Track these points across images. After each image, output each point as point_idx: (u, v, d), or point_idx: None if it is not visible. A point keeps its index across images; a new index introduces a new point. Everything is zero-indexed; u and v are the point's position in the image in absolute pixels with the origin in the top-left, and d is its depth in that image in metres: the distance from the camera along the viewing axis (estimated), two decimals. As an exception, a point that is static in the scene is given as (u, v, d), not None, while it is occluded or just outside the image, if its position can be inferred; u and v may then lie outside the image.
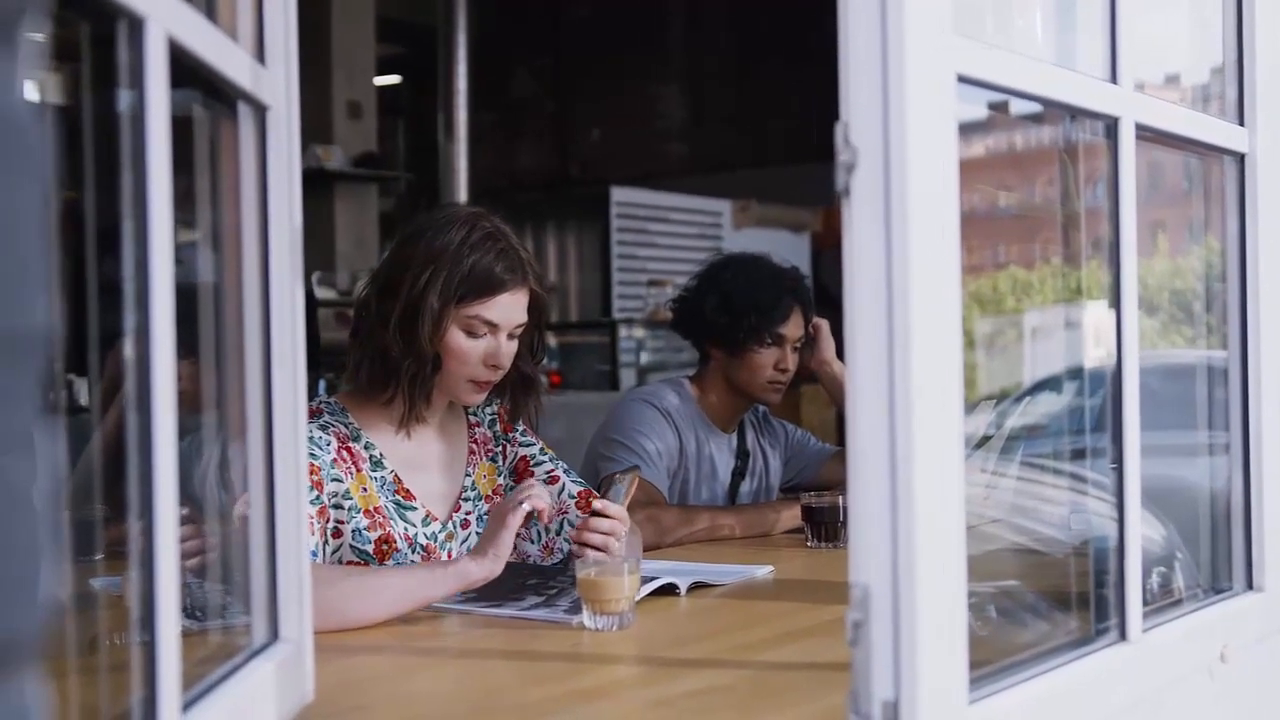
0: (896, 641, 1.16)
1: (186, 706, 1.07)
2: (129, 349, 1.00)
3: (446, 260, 2.15)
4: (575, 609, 1.91)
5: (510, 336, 2.22)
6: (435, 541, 2.24)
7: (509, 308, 2.19)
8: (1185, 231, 2.13)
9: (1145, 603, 1.54)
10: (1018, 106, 1.54)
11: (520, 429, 2.42)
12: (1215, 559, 1.86)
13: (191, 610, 1.35)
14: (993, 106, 1.46)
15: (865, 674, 1.17)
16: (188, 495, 1.10)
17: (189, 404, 1.18)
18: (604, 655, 1.77)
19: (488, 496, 2.35)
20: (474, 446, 2.37)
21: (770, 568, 2.37)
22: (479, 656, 1.77)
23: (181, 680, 1.03)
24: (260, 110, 1.33)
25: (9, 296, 0.57)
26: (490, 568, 1.94)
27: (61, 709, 1.04)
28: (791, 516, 2.81)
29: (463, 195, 8.45)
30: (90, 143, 1.07)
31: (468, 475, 2.33)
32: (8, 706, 0.57)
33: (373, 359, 2.19)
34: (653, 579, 2.08)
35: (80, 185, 1.05)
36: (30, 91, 0.60)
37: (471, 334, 2.18)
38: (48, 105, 0.63)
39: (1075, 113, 1.54)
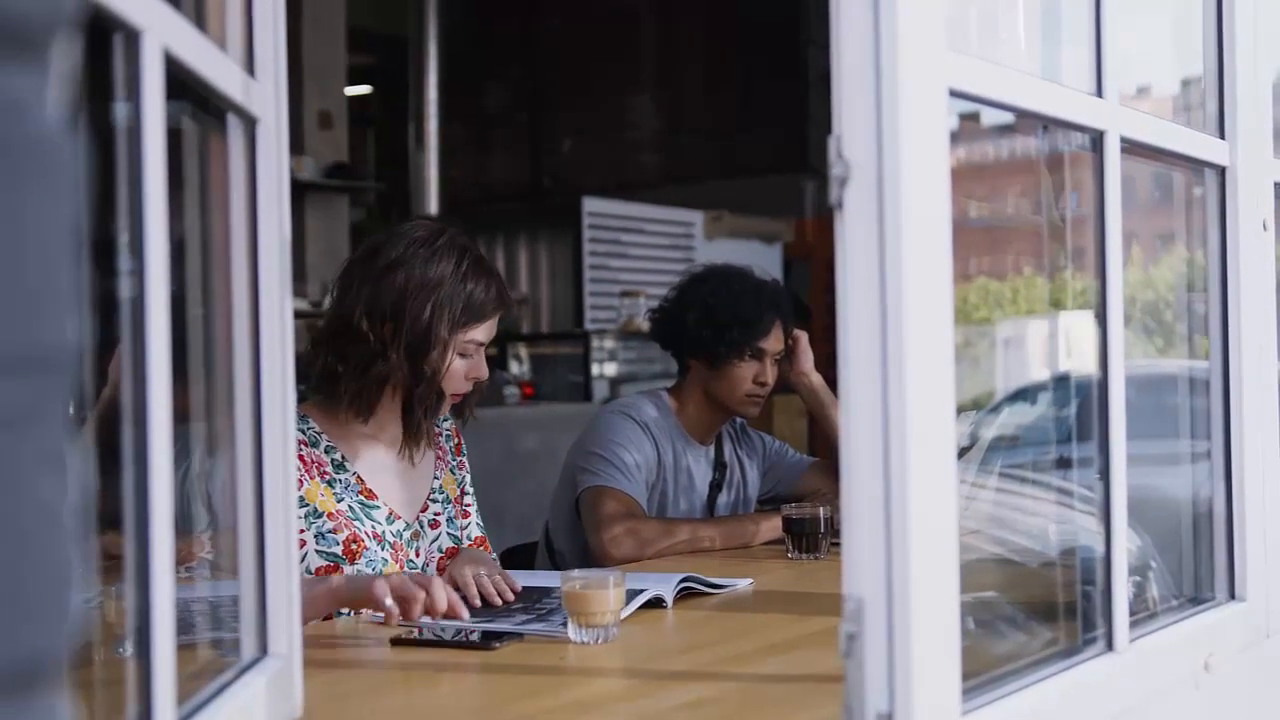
0: (891, 653, 1.16)
1: (180, 723, 1.06)
2: (125, 363, 0.99)
3: (447, 290, 2.24)
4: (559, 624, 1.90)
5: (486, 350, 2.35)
6: (401, 539, 2.30)
7: (494, 326, 2.33)
8: (1155, 242, 2.15)
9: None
10: (988, 117, 1.55)
11: (461, 457, 2.51)
12: (1198, 569, 1.87)
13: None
14: (964, 117, 1.47)
15: (859, 686, 1.17)
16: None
17: (173, 415, 1.18)
18: (591, 669, 1.76)
19: (455, 500, 2.44)
20: (440, 452, 2.45)
21: (750, 580, 2.37)
22: (466, 671, 1.76)
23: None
24: (250, 122, 1.33)
25: (40, 312, 0.57)
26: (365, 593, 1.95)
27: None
28: (771, 528, 2.82)
29: (434, 206, 8.43)
30: (82, 153, 1.06)
31: (436, 478, 2.41)
32: None
33: (373, 385, 2.24)
34: (640, 592, 2.08)
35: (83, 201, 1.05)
36: (62, 107, 0.60)
37: (463, 355, 2.29)
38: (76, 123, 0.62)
39: (1063, 126, 1.55)
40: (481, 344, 2.31)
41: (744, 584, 2.35)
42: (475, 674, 1.76)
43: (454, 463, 2.48)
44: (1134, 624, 1.56)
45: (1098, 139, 1.51)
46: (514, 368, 7.35)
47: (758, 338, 2.98)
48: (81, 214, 0.62)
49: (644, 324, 3.19)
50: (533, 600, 2.13)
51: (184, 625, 1.41)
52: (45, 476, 0.57)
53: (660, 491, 3.00)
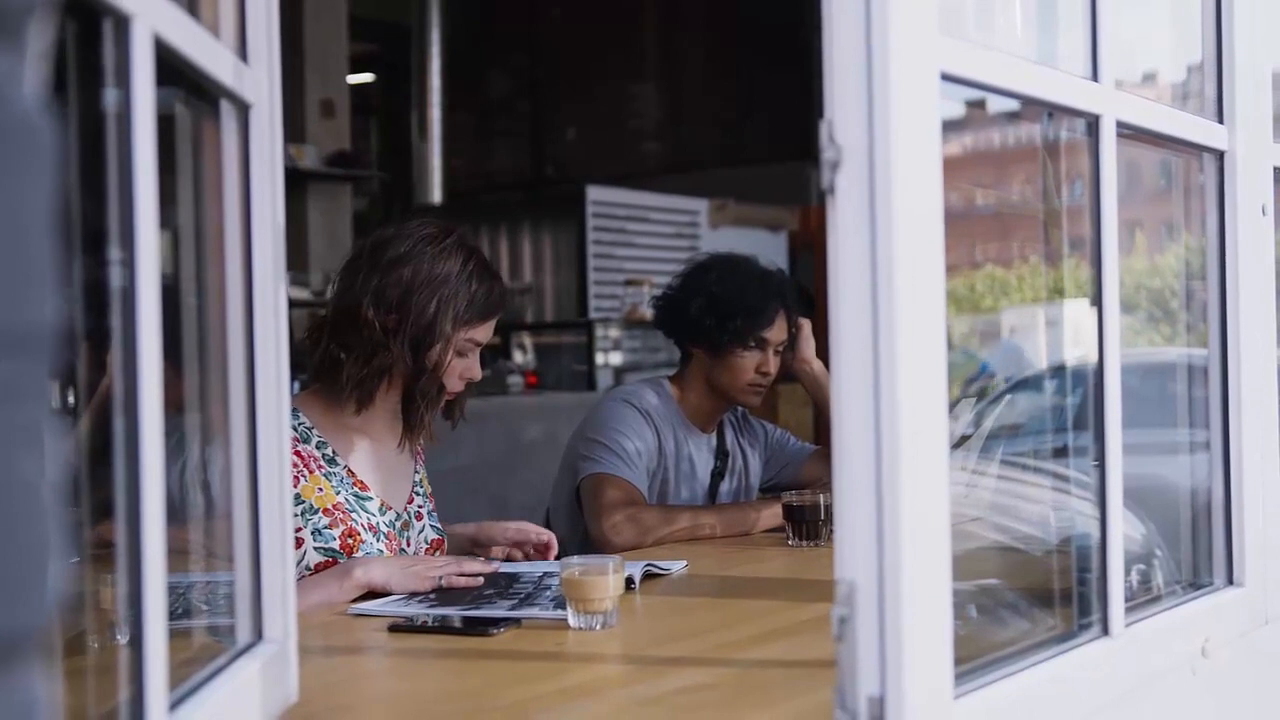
0: (882, 637, 1.16)
1: (173, 706, 1.07)
2: (116, 352, 0.99)
3: (452, 287, 2.27)
4: (561, 604, 1.91)
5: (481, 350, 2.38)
6: (394, 529, 2.34)
7: (492, 328, 2.37)
8: (1161, 230, 2.14)
9: (1126, 599, 1.55)
10: (994, 104, 1.55)
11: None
12: (1196, 555, 1.87)
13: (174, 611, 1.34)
14: (970, 104, 1.47)
15: (851, 669, 1.17)
16: (168, 496, 1.10)
17: (168, 404, 1.18)
18: (588, 654, 1.76)
19: (430, 495, 2.49)
20: (418, 450, 2.49)
21: (684, 563, 2.39)
22: (463, 657, 1.77)
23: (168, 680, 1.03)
24: (243, 108, 1.33)
25: (21, 292, 0.58)
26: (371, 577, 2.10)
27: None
28: (772, 515, 2.82)
29: (437, 195, 8.44)
30: (71, 140, 1.06)
31: (416, 472, 2.46)
32: (16, 700, 0.57)
33: (375, 375, 2.27)
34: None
35: (61, 184, 1.04)
36: (38, 88, 0.60)
37: (460, 354, 2.32)
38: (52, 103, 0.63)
39: (1057, 110, 1.55)
40: (479, 344, 2.34)
41: (679, 566, 2.38)
42: (472, 660, 1.76)
43: (424, 462, 2.53)
44: (1131, 609, 1.56)
45: (1093, 123, 1.51)
46: (518, 357, 7.35)
47: (761, 327, 2.97)
48: (59, 196, 0.62)
49: (648, 312, 3.20)
50: (505, 585, 2.14)
51: (183, 611, 1.41)
52: (24, 454, 0.57)
53: (661, 479, 3.00)
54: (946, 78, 1.24)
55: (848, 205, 1.17)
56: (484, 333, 2.34)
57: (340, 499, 2.26)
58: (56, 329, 0.61)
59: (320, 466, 2.27)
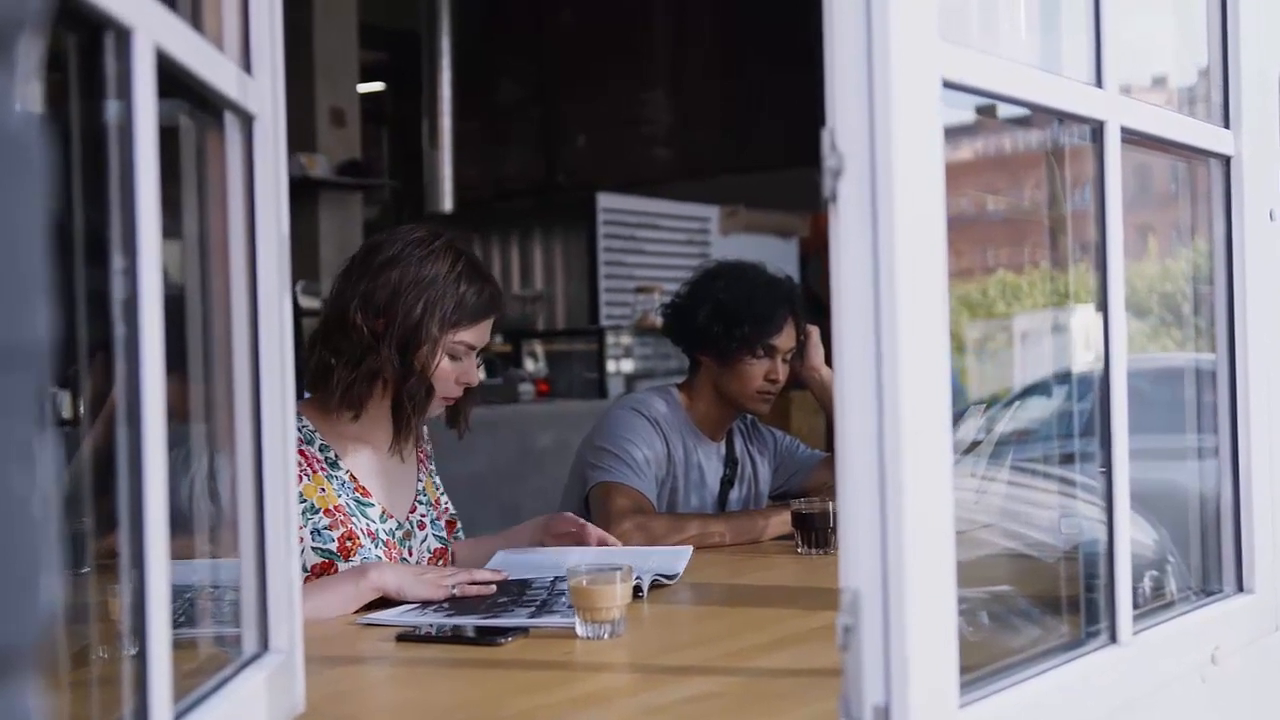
0: (887, 645, 1.16)
1: (178, 717, 1.07)
2: (118, 362, 0.99)
3: (439, 289, 2.27)
4: (573, 613, 1.90)
5: (479, 356, 2.37)
6: (394, 538, 2.34)
7: (487, 331, 2.35)
8: (1173, 234, 2.14)
9: (1136, 606, 1.54)
10: (1005, 110, 1.55)
11: (432, 464, 2.55)
12: (1205, 561, 1.86)
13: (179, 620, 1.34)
14: (980, 110, 1.47)
15: (856, 678, 1.17)
16: (175, 508, 1.10)
17: (175, 416, 1.18)
18: (596, 663, 1.76)
19: (434, 504, 2.47)
20: (421, 457, 2.49)
21: (689, 549, 2.41)
22: (471, 666, 1.77)
23: (173, 691, 1.03)
24: (247, 120, 1.33)
25: (11, 307, 0.58)
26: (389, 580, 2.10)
27: (51, 722, 1.03)
28: (781, 522, 2.81)
29: (448, 203, 8.44)
30: (75, 152, 1.07)
31: (419, 480, 2.45)
32: (13, 713, 0.58)
33: (364, 379, 2.27)
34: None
35: (64, 195, 1.05)
36: (30, 103, 0.61)
37: (453, 357, 2.31)
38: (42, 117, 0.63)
39: (1061, 116, 1.55)
40: (472, 347, 2.32)
41: (684, 554, 2.39)
42: (480, 669, 1.76)
43: (430, 468, 2.52)
44: (1140, 616, 1.56)
45: (1098, 129, 1.51)
46: (529, 365, 7.35)
47: (769, 335, 2.97)
48: (59, 209, 0.62)
49: (659, 320, 3.21)
50: (518, 593, 2.14)
51: (188, 620, 1.41)
52: (15, 468, 0.57)
53: (670, 488, 3.00)
54: (948, 84, 1.24)
55: (850, 212, 1.17)
56: (475, 335, 2.32)
57: (341, 502, 2.26)
58: (50, 343, 0.61)
59: (323, 468, 2.27)
